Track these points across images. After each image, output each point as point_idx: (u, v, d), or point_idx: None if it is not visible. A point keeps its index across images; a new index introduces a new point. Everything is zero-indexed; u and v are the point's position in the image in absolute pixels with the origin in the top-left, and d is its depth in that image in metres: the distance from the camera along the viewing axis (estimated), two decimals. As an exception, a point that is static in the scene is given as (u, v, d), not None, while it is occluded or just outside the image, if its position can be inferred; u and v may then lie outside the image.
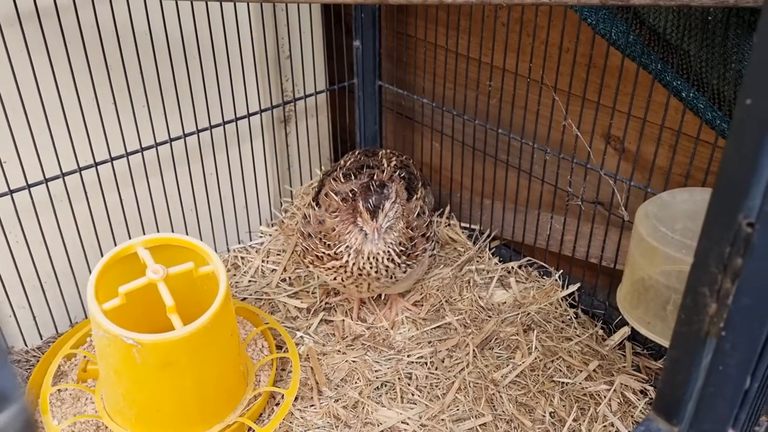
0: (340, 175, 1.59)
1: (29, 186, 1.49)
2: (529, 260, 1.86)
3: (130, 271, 1.31)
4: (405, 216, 1.50)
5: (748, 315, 0.60)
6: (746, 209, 0.56)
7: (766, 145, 0.54)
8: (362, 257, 1.45)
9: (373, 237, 1.42)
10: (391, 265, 1.47)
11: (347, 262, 1.47)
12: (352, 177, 1.58)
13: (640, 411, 1.44)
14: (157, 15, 1.54)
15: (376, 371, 1.57)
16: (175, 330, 1.20)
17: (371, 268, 1.46)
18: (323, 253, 1.50)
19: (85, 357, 1.52)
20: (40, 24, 1.39)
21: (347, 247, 1.46)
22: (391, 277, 1.50)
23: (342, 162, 1.71)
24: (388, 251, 1.46)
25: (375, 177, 1.56)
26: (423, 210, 1.59)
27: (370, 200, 1.40)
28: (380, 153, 1.73)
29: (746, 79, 0.55)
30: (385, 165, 1.64)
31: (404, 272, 1.51)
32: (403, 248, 1.48)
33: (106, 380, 1.33)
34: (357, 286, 1.53)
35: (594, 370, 1.54)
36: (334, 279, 1.52)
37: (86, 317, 1.69)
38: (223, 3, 1.59)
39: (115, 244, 1.66)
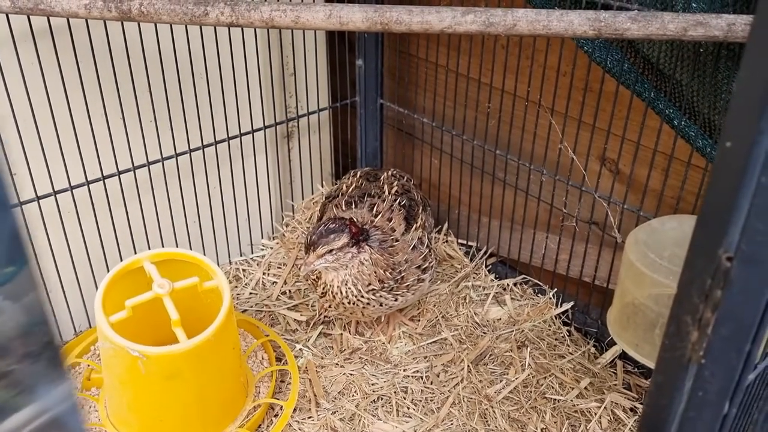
0: (342, 203, 1.63)
1: (38, 198, 1.52)
2: (525, 278, 1.90)
3: (135, 284, 1.35)
4: (390, 254, 1.53)
5: (727, 344, 0.63)
6: (726, 245, 0.60)
7: (744, 187, 0.57)
8: (333, 285, 1.51)
9: (301, 268, 1.47)
10: (365, 300, 1.51)
11: (325, 285, 1.52)
12: (353, 206, 1.62)
13: (630, 429, 1.47)
14: (166, 33, 1.58)
15: (372, 384, 1.60)
16: (180, 343, 1.24)
17: (343, 298, 1.51)
18: (314, 279, 1.56)
19: (89, 366, 1.55)
20: (53, 40, 1.43)
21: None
22: (381, 305, 1.54)
23: (344, 187, 1.74)
24: (355, 289, 1.49)
25: (376, 207, 1.60)
26: (422, 241, 1.62)
27: (311, 236, 1.45)
28: (382, 177, 1.76)
29: (726, 124, 0.59)
30: (386, 192, 1.67)
31: (396, 300, 1.56)
32: (376, 286, 1.51)
33: (111, 390, 1.37)
34: (351, 313, 1.58)
35: (585, 388, 1.58)
36: (329, 306, 1.58)
37: (90, 327, 1.73)
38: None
39: (120, 255, 1.70)
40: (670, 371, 0.69)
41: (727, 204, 0.59)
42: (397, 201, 1.64)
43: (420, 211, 1.68)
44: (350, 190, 1.70)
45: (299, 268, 1.52)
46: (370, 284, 1.50)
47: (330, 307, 1.57)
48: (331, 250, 1.44)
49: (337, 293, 1.51)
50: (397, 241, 1.55)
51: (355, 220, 1.51)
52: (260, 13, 1.12)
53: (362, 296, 1.50)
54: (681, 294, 0.65)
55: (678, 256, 1.13)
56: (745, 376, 0.65)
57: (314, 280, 1.56)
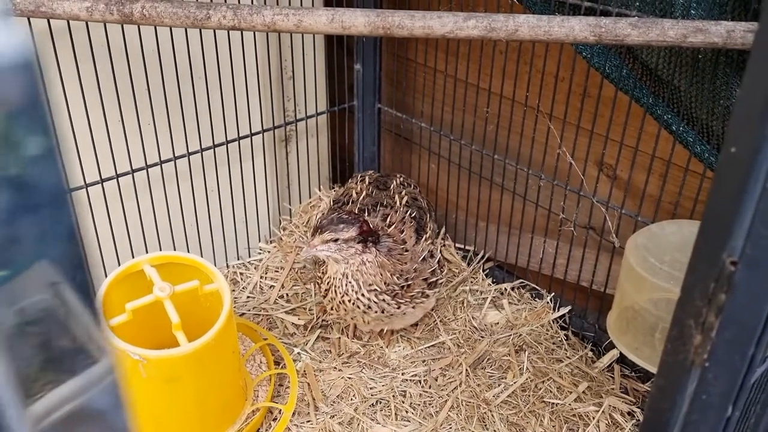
0: (355, 210, 1.64)
1: (36, 200, 1.52)
2: (522, 282, 1.90)
3: (135, 287, 1.35)
4: (398, 261, 1.53)
5: (730, 347, 0.64)
6: (730, 249, 0.60)
7: (749, 191, 0.58)
8: (337, 282, 1.51)
9: (304, 250, 1.48)
10: (366, 301, 1.51)
11: (330, 280, 1.52)
12: (366, 214, 1.62)
13: (628, 432, 1.48)
14: (165, 35, 1.58)
15: (371, 388, 1.60)
16: (181, 346, 1.24)
17: (343, 295, 1.51)
18: (319, 278, 1.57)
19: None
20: (53, 42, 1.43)
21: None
22: (383, 311, 1.54)
23: (353, 193, 1.73)
24: (357, 285, 1.49)
25: (389, 218, 1.60)
26: (432, 254, 1.62)
27: (321, 221, 1.45)
28: (392, 186, 1.77)
29: (730, 128, 0.59)
30: (397, 203, 1.67)
31: (398, 308, 1.55)
32: (379, 288, 1.51)
33: (109, 393, 1.36)
34: (352, 318, 1.59)
35: (583, 392, 1.58)
36: (332, 308, 1.57)
37: (87, 330, 1.72)
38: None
39: (118, 257, 1.70)
40: (672, 375, 0.69)
41: (732, 208, 0.59)
42: (408, 213, 1.65)
43: (428, 219, 1.69)
44: (361, 198, 1.70)
45: (298, 254, 1.51)
46: (372, 284, 1.50)
47: (331, 308, 1.57)
48: (336, 239, 1.43)
49: (339, 286, 1.50)
50: (407, 251, 1.56)
51: (370, 222, 1.52)
52: (262, 17, 1.13)
53: (363, 294, 1.50)
54: (684, 298, 0.66)
55: (678, 260, 1.14)
56: (748, 378, 0.66)
57: (320, 276, 1.56)
